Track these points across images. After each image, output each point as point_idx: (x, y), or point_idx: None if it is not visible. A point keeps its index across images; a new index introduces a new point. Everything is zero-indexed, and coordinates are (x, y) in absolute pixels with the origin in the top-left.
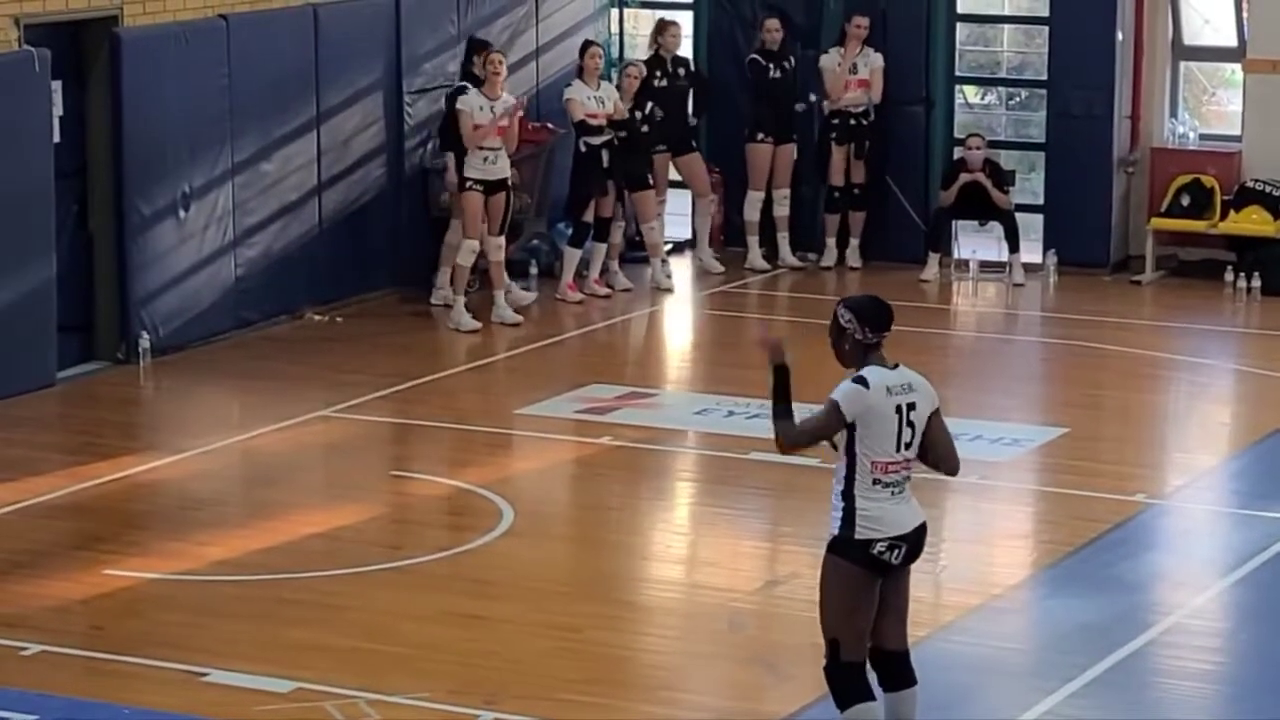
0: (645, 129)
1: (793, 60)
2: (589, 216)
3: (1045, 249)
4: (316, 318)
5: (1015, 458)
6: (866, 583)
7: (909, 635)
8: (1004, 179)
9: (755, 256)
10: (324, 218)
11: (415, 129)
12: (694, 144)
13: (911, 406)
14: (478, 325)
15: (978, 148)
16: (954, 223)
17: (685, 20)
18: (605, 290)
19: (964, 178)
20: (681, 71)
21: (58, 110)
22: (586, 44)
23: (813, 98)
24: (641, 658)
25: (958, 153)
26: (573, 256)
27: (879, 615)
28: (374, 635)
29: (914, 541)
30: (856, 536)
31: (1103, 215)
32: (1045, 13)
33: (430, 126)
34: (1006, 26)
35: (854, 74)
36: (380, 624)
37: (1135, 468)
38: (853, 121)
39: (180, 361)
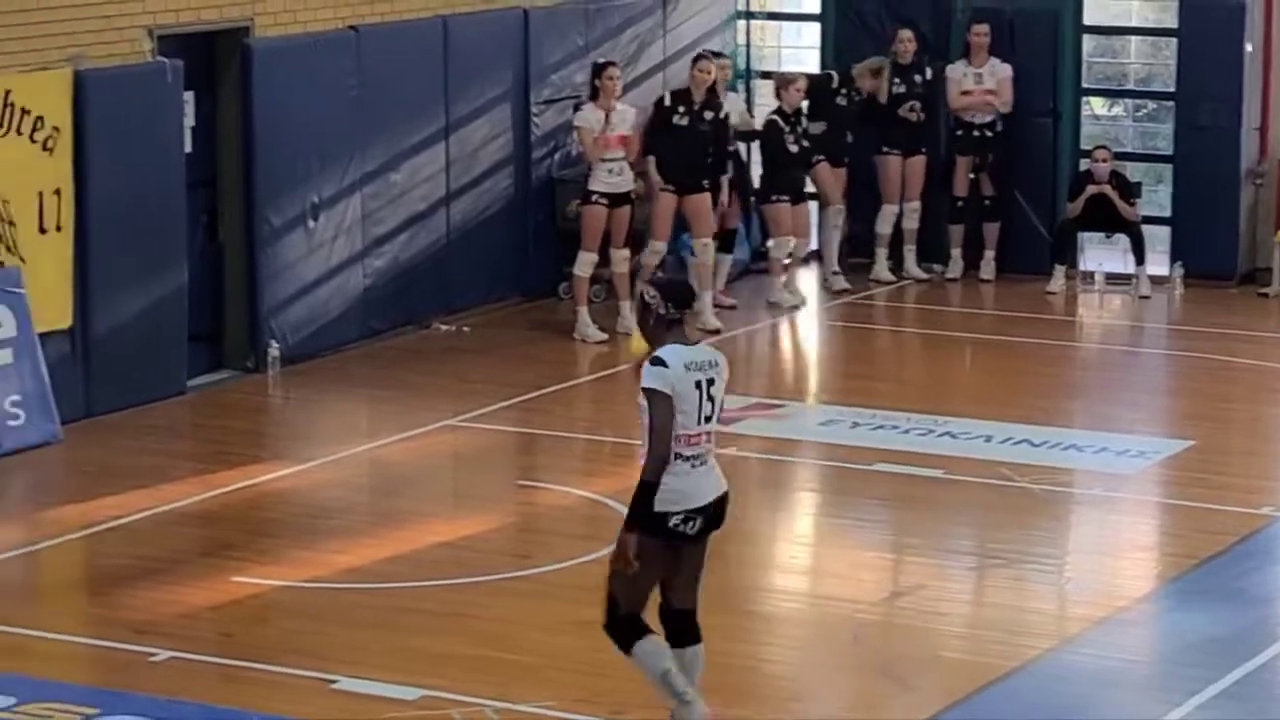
0: (806, 143)
1: (929, 72)
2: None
3: (1172, 261)
4: (444, 328)
5: (1141, 470)
6: (657, 552)
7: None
8: (1130, 191)
9: (881, 268)
10: (452, 228)
11: (542, 139)
12: (846, 159)
13: (711, 382)
14: (604, 335)
15: (1104, 160)
16: (1080, 235)
17: (812, 31)
18: (730, 301)
19: (1090, 190)
20: (856, 96)
21: (189, 120)
22: (715, 54)
23: (916, 105)
24: (766, 668)
25: (1084, 165)
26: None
27: (673, 579)
28: (501, 644)
29: (712, 512)
30: (655, 509)
31: (1230, 227)
32: (1174, 24)
33: (558, 137)
34: (1134, 38)
35: (979, 84)
36: (507, 633)
37: (1262, 480)
38: (976, 133)
39: (309, 371)
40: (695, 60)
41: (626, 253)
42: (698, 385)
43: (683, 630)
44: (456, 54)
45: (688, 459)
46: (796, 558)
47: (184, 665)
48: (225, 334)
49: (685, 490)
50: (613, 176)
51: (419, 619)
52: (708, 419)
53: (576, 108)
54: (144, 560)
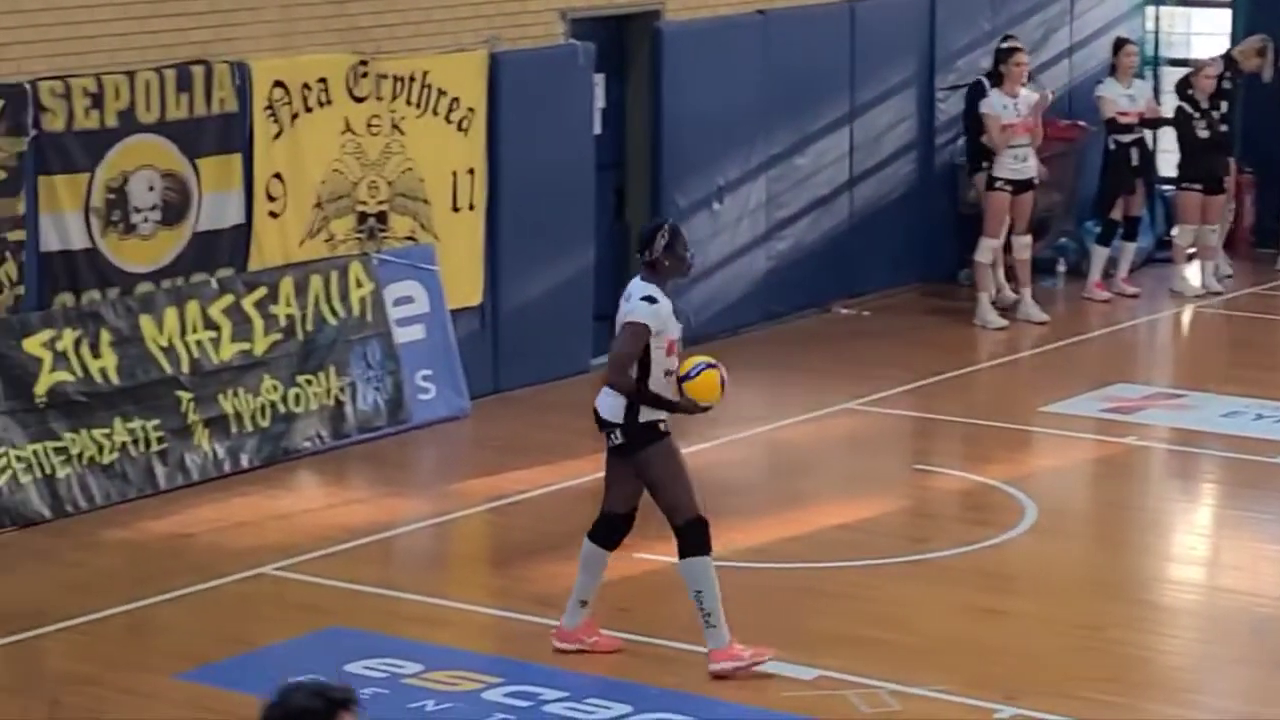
0: (1224, 128)
1: None
2: (1117, 214)
3: None
4: (844, 311)
5: None
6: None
7: None
8: None
9: None
10: (854, 212)
11: (946, 125)
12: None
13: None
14: (1004, 322)
15: None
16: None
17: (1223, 17)
18: (1133, 290)
19: None
20: (1238, 79)
21: (600, 102)
22: (1120, 41)
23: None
24: (1163, 659)
25: None
26: (1100, 255)
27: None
28: (894, 626)
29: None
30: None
31: None
32: None
33: (961, 123)
34: None
35: None
36: (901, 616)
37: None
38: None
39: (710, 351)
40: (1014, 51)
41: (1029, 239)
42: None
43: (606, 533)
44: (862, 39)
45: None
46: (1196, 549)
47: None
48: None
49: None
50: (1017, 163)
51: (815, 599)
52: None
53: (981, 94)
54: (547, 535)
